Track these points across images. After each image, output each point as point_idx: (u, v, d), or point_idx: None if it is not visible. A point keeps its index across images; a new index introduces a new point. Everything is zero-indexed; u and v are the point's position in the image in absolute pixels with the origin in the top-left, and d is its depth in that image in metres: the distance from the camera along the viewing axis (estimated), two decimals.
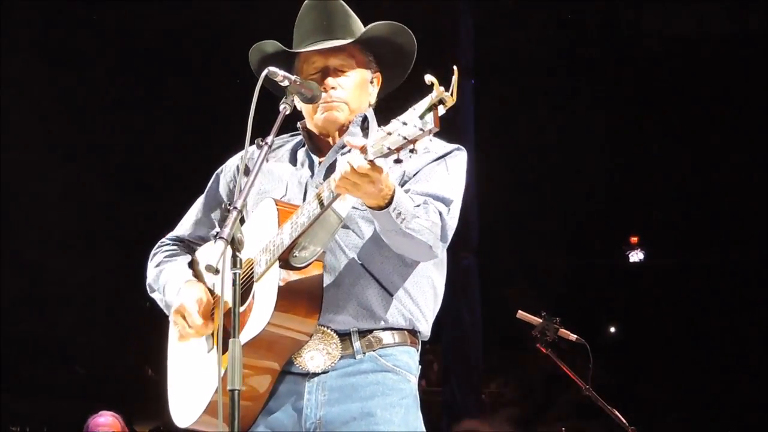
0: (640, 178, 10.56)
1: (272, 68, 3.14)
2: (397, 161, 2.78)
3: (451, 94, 2.70)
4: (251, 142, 3.04)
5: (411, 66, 3.47)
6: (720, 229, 10.38)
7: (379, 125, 2.93)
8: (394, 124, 2.76)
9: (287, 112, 3.18)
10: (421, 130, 2.70)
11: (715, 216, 10.37)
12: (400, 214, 2.98)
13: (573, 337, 5.44)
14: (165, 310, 3.52)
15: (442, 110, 2.70)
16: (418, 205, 3.07)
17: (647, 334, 10.31)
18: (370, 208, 2.99)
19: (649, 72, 10.32)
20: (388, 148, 2.76)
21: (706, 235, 10.52)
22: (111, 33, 8.76)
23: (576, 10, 10.09)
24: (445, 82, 2.72)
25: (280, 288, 3.03)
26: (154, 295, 3.54)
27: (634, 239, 11.18)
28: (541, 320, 5.45)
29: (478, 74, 9.77)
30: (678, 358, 10.12)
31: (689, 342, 10.14)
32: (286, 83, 3.18)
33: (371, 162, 2.81)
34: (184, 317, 3.31)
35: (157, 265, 3.56)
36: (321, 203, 2.99)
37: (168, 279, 3.47)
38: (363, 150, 2.82)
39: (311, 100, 3.29)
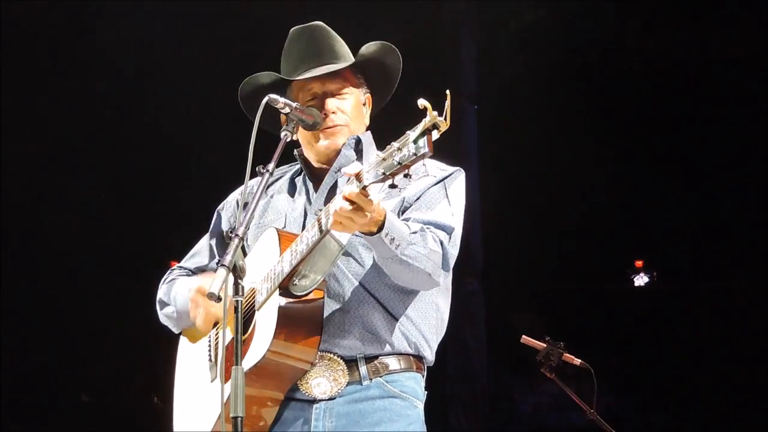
0: (645, 201, 10.55)
1: (272, 95, 3.16)
2: (392, 186, 2.80)
3: (445, 119, 2.71)
4: (252, 171, 3.05)
5: (395, 86, 3.51)
6: (726, 253, 10.35)
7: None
8: (389, 149, 2.78)
9: (288, 140, 3.20)
10: (415, 154, 2.72)
11: (721, 239, 10.34)
12: (393, 239, 2.98)
13: (577, 361, 5.44)
14: (174, 326, 3.52)
15: (436, 135, 2.71)
16: (414, 232, 3.06)
17: (652, 358, 10.26)
18: (363, 235, 2.99)
19: (654, 97, 10.32)
20: (383, 173, 2.77)
21: (712, 259, 10.49)
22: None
23: (580, 36, 10.11)
24: (440, 107, 2.73)
25: (279, 316, 3.05)
26: (165, 310, 3.53)
27: (638, 263, 11.14)
28: (545, 345, 5.45)
29: (481, 99, 9.79)
30: (683, 383, 10.07)
31: (695, 366, 10.09)
32: (287, 110, 3.20)
33: (363, 188, 2.82)
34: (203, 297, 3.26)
35: (169, 282, 3.58)
36: (320, 229, 3.00)
37: (179, 289, 3.49)
38: (359, 177, 2.83)
39: (312, 126, 3.31)
